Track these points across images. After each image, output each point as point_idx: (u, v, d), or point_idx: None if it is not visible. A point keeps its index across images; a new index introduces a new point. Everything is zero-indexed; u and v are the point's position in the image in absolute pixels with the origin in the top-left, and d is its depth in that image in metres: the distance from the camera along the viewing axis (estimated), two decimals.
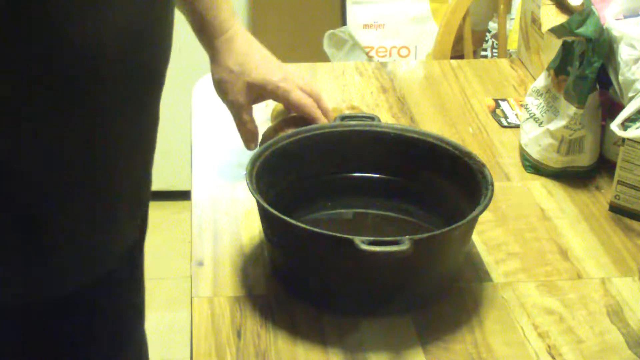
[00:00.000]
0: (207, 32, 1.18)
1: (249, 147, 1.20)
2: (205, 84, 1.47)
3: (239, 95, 1.17)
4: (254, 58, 1.18)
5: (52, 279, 0.95)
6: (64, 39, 0.83)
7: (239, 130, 1.20)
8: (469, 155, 1.06)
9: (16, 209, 0.89)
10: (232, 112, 1.19)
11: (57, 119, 0.87)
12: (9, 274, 0.92)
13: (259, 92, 1.18)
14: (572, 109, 1.19)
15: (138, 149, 1.00)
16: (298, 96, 1.17)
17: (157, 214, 2.74)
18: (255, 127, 1.20)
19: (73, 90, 0.86)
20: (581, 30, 1.17)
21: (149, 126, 1.01)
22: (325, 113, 1.19)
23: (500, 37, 2.13)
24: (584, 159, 1.23)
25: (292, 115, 1.20)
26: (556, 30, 1.22)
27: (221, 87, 1.19)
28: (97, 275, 1.01)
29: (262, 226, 1.04)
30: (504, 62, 1.59)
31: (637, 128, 1.13)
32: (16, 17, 0.80)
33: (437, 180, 1.09)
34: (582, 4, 1.24)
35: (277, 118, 1.26)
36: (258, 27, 2.66)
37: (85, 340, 1.05)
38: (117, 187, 0.97)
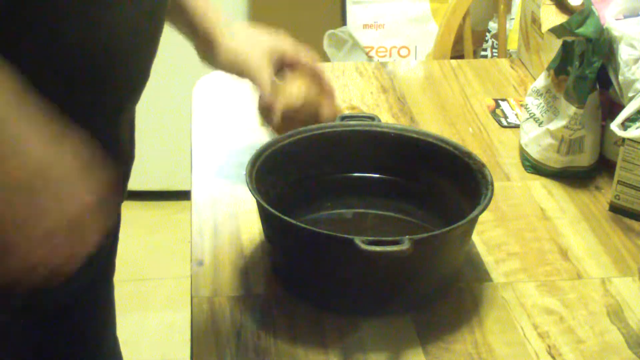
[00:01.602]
0: (204, 26, 1.15)
1: (272, 116, 1.15)
2: (205, 84, 1.47)
3: (261, 59, 1.14)
4: (260, 31, 1.18)
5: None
6: (63, 38, 0.83)
7: (264, 98, 1.14)
8: (469, 155, 1.06)
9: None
10: (257, 80, 1.14)
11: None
12: None
13: (276, 56, 1.16)
14: (572, 109, 1.19)
15: (125, 145, 1.00)
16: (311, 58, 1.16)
17: (157, 214, 2.76)
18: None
19: (73, 89, 0.86)
20: (581, 30, 1.17)
21: (133, 120, 1.02)
22: (329, 91, 1.18)
23: (500, 37, 2.13)
24: (584, 159, 1.23)
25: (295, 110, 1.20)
26: (556, 30, 1.22)
27: (239, 61, 1.14)
28: (95, 275, 1.01)
29: (262, 226, 1.04)
30: (504, 62, 1.59)
31: (637, 128, 1.13)
32: (15, 17, 0.80)
33: (437, 180, 1.09)
34: (582, 4, 1.24)
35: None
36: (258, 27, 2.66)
37: (80, 342, 1.06)
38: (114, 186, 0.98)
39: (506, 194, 1.20)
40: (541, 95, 1.25)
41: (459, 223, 0.95)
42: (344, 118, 1.14)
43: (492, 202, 0.99)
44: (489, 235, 1.11)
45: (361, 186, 1.12)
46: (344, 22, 2.77)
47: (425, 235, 0.94)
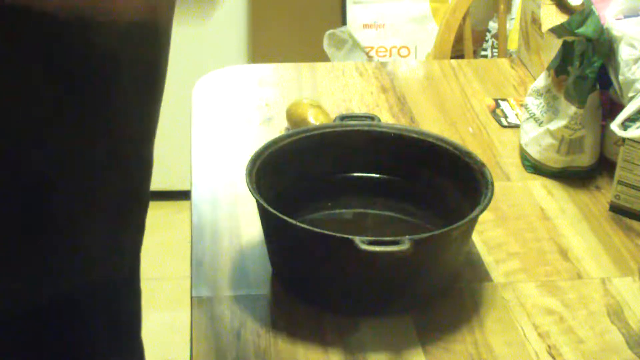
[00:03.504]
0: None
1: None
2: (205, 84, 1.47)
3: None
4: None
5: (52, 280, 0.95)
6: (67, 35, 0.83)
7: None
8: (469, 155, 1.06)
9: (23, 208, 0.89)
10: None
11: (62, 118, 0.87)
12: (10, 273, 0.92)
13: None
14: (572, 109, 1.19)
15: (144, 145, 1.00)
16: None
17: (157, 214, 2.75)
18: None
19: (81, 87, 0.86)
20: (581, 30, 1.17)
21: (155, 118, 1.01)
22: None
23: (500, 37, 2.13)
24: (584, 159, 1.23)
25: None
26: (556, 30, 1.22)
27: None
28: (99, 277, 1.01)
29: (262, 226, 1.04)
30: (504, 62, 1.59)
31: (637, 128, 1.13)
32: (18, 15, 0.80)
33: (437, 180, 1.09)
34: (582, 4, 1.24)
35: (292, 117, 1.27)
36: (258, 27, 2.66)
37: (83, 346, 1.05)
38: (123, 185, 0.97)
39: (506, 194, 1.20)
40: (541, 95, 1.25)
41: (459, 223, 0.95)
42: (344, 118, 1.14)
43: (492, 202, 0.99)
44: (489, 235, 1.11)
45: (361, 186, 1.12)
46: (344, 22, 2.77)
47: (425, 235, 0.94)
